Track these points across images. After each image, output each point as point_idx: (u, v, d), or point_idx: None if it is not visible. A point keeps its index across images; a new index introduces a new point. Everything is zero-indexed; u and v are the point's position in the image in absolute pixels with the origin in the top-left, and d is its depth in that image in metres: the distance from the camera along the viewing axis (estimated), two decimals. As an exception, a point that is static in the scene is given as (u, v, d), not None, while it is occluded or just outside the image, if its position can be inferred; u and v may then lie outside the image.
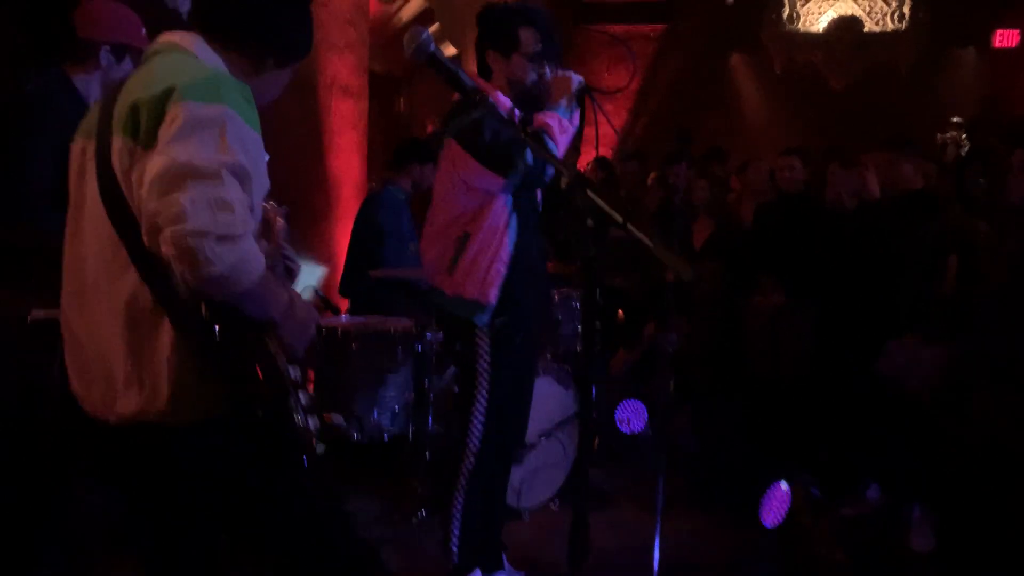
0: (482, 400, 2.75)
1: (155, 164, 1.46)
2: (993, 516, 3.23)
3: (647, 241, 1.29)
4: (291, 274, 1.91)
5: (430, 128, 7.08)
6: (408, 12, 7.26)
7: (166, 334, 1.54)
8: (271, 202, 1.88)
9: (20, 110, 2.53)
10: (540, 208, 2.91)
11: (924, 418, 3.61)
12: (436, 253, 2.76)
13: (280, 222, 1.91)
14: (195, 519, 1.71)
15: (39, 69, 2.69)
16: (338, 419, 3.74)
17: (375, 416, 3.89)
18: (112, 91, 1.65)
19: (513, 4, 2.80)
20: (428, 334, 3.86)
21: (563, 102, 2.66)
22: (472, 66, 7.88)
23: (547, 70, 2.73)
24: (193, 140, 1.46)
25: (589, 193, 1.36)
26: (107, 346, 1.59)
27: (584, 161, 5.78)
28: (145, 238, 1.47)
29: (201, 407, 1.56)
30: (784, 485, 3.69)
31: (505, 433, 2.85)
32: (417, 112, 8.16)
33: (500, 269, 2.69)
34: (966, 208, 4.17)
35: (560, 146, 2.61)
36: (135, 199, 1.52)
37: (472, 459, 2.78)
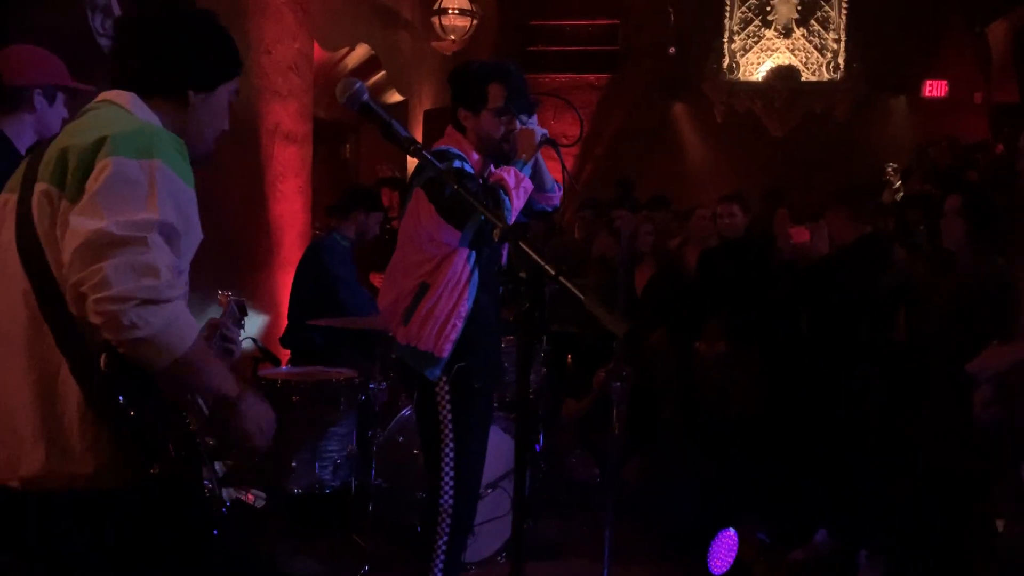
0: (449, 452, 2.69)
1: (80, 229, 1.43)
2: (940, 558, 3.24)
3: (579, 295, 1.27)
4: (229, 355, 1.87)
5: (381, 173, 7.06)
6: (353, 60, 7.27)
7: (75, 392, 1.50)
8: (228, 292, 1.92)
9: None
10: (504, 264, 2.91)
11: (870, 463, 3.63)
12: (392, 300, 2.73)
13: (230, 307, 1.88)
14: None
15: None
16: (259, 499, 3.68)
17: (316, 469, 3.79)
18: (42, 146, 1.63)
19: (483, 62, 2.84)
20: (372, 384, 3.79)
21: (523, 157, 2.69)
22: (420, 111, 7.85)
23: (516, 124, 2.76)
24: (119, 197, 1.44)
25: (522, 245, 1.35)
26: (14, 402, 1.53)
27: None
28: (72, 306, 1.46)
29: (109, 473, 1.50)
30: (732, 531, 3.68)
31: (473, 485, 2.80)
32: (363, 158, 8.14)
33: (457, 324, 2.65)
34: (908, 252, 4.27)
35: (517, 200, 2.61)
36: (55, 251, 1.48)
37: (448, 519, 2.70)
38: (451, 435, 2.68)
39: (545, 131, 2.75)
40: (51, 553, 1.56)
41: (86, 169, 1.48)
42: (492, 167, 2.75)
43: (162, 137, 1.55)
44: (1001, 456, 2.78)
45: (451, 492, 2.69)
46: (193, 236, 1.56)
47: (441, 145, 2.77)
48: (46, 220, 1.51)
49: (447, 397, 2.68)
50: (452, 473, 2.69)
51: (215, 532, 1.56)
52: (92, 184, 1.46)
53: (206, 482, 1.53)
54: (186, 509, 1.54)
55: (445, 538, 2.70)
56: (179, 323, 1.45)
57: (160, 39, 1.71)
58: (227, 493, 1.56)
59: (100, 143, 1.49)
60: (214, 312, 2.06)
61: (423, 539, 2.75)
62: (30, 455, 1.51)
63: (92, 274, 1.41)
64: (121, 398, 1.46)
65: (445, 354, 2.65)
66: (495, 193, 2.58)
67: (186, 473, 1.52)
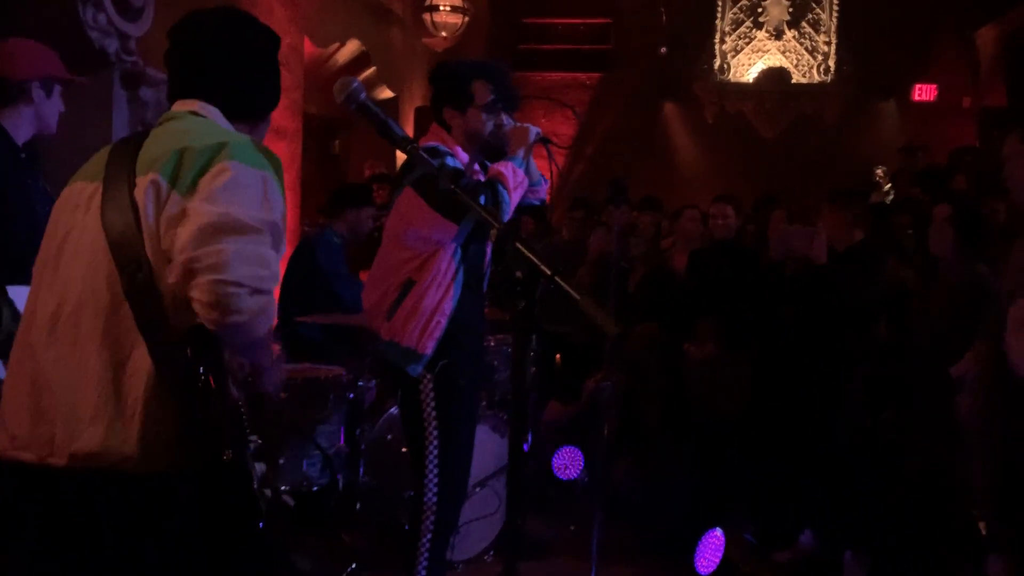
0: (433, 449, 2.68)
1: (201, 213, 1.52)
2: (923, 560, 3.27)
3: (574, 295, 1.27)
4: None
5: (368, 172, 7.04)
6: (344, 55, 7.24)
7: (145, 373, 1.54)
8: None
9: None
10: (489, 264, 2.88)
11: (855, 465, 3.65)
12: (377, 296, 2.71)
13: None
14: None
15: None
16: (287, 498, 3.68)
17: (304, 467, 3.78)
18: (128, 142, 1.70)
19: (463, 59, 2.85)
20: (360, 382, 3.78)
21: (520, 153, 2.68)
22: (411, 107, 7.85)
23: (504, 120, 2.76)
24: (240, 196, 1.55)
25: (518, 245, 1.35)
26: (80, 379, 1.55)
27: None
28: (174, 279, 1.52)
29: (166, 456, 1.54)
30: (718, 531, 3.69)
31: (458, 482, 2.79)
32: (353, 154, 8.12)
33: (441, 322, 2.64)
34: (898, 257, 4.29)
35: (514, 195, 2.62)
36: (156, 238, 1.55)
37: (432, 516, 2.70)
38: (435, 432, 2.67)
39: (538, 129, 2.75)
40: (90, 532, 1.56)
41: (202, 168, 1.56)
42: (477, 165, 2.75)
43: (269, 154, 1.65)
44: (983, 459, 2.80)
45: (435, 489, 2.68)
46: (283, 246, 1.65)
47: (429, 142, 2.75)
48: (151, 207, 1.57)
49: (431, 394, 2.67)
50: (436, 471, 2.68)
51: (260, 524, 1.58)
52: (211, 182, 1.55)
53: (253, 472, 1.58)
54: (242, 499, 1.58)
55: (429, 535, 2.69)
56: (269, 311, 1.55)
57: (253, 66, 1.81)
58: (259, 468, 1.59)
59: (220, 147, 1.58)
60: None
61: (409, 537, 2.74)
62: (88, 431, 1.53)
63: (212, 254, 1.48)
64: (210, 381, 1.52)
65: (428, 351, 2.64)
66: (494, 188, 2.57)
67: (238, 459, 1.56)
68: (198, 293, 1.48)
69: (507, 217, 2.62)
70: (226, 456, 1.54)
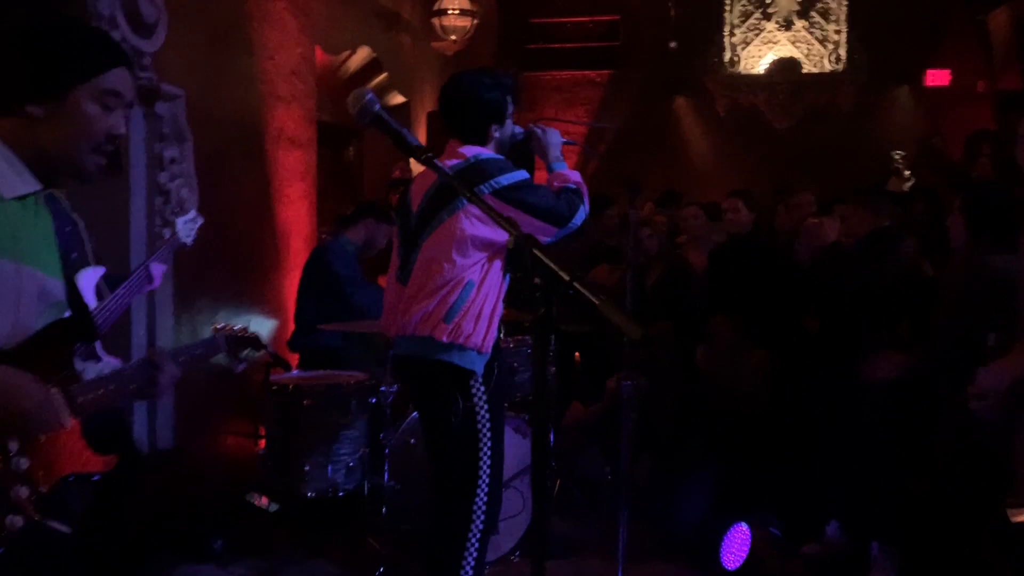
0: (486, 451, 2.71)
1: None
2: (951, 552, 3.25)
3: (594, 299, 1.29)
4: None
5: (397, 173, 7.05)
6: (356, 62, 7.27)
7: None
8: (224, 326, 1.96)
9: None
10: None
11: (881, 456, 3.64)
12: (432, 303, 2.70)
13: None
14: None
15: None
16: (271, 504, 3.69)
17: (329, 472, 3.81)
18: None
19: (486, 72, 2.88)
20: (383, 387, 3.80)
21: (558, 156, 2.88)
22: (422, 112, 7.82)
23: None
24: None
25: (536, 252, 1.36)
26: None
27: None
28: None
29: None
30: (744, 526, 3.69)
31: (500, 484, 2.83)
32: (367, 161, 8.15)
33: (496, 320, 2.73)
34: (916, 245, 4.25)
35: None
36: None
37: (482, 519, 2.72)
38: (488, 435, 2.70)
39: (557, 131, 2.91)
40: None
41: None
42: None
43: None
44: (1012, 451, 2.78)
45: (486, 491, 2.71)
46: None
47: (485, 154, 2.78)
48: None
49: (484, 397, 2.71)
50: (489, 471, 2.71)
51: None
52: None
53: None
54: None
55: (478, 536, 2.71)
56: None
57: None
58: (13, 520, 1.52)
59: None
60: (224, 317, 2.09)
61: (450, 540, 2.74)
62: None
63: None
64: None
65: (488, 348, 2.70)
66: (579, 194, 2.78)
67: None
68: None
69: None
70: None
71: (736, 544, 3.69)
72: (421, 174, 2.95)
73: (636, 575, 3.23)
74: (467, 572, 2.72)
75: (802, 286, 4.37)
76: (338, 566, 3.77)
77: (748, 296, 4.54)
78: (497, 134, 2.83)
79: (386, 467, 3.76)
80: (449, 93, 2.85)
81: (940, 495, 3.28)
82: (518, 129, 2.90)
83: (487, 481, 2.71)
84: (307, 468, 3.80)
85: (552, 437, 4.33)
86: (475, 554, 2.72)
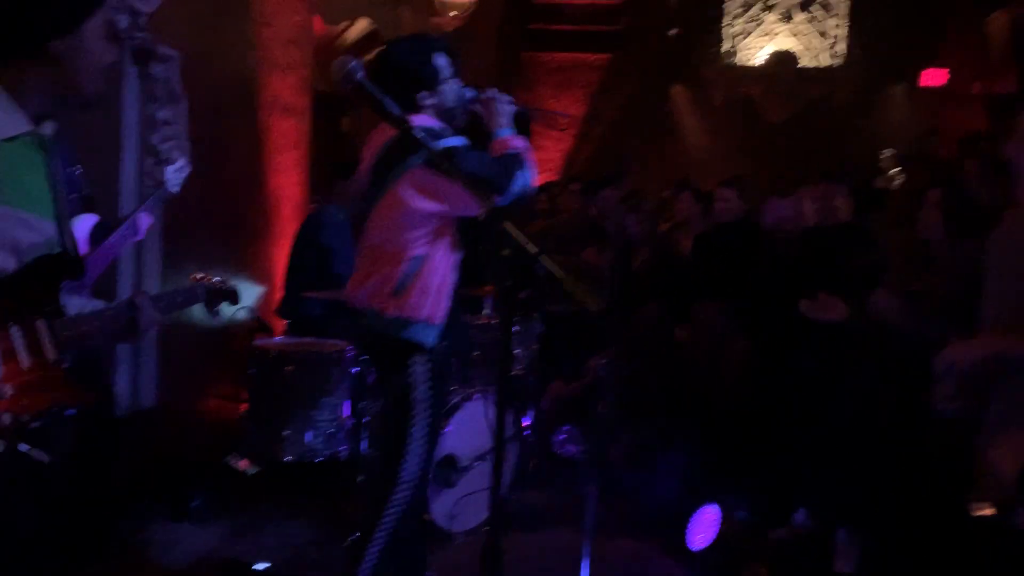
0: (422, 428, 2.66)
1: None
2: (915, 538, 3.32)
3: (558, 274, 1.32)
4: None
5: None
6: (354, 33, 7.26)
7: None
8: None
9: None
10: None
11: (847, 444, 3.71)
12: (380, 276, 2.66)
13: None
14: None
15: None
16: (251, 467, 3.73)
17: (308, 438, 3.87)
18: None
19: (400, 42, 2.77)
20: (364, 356, 3.85)
21: (505, 123, 2.68)
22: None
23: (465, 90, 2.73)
24: None
25: (506, 225, 1.40)
26: None
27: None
28: None
29: None
30: (713, 508, 3.76)
31: (432, 457, 2.81)
32: (362, 132, 8.15)
33: (447, 291, 2.66)
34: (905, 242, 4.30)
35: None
36: None
37: (407, 491, 2.66)
38: (426, 414, 2.65)
39: (510, 97, 2.73)
40: None
41: None
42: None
43: None
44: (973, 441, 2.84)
45: (417, 467, 2.65)
46: None
47: (423, 123, 2.61)
48: None
49: (427, 376, 2.65)
50: (420, 449, 2.65)
51: None
52: None
53: None
54: None
55: (397, 508, 2.65)
56: None
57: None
58: None
59: None
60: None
61: (373, 502, 2.69)
62: None
63: None
64: None
65: (439, 320, 2.63)
66: (519, 160, 2.58)
67: None
68: None
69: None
70: None
71: (704, 525, 3.76)
72: (373, 133, 2.78)
73: (602, 551, 3.29)
74: (378, 541, 2.66)
75: (784, 274, 4.42)
76: (314, 529, 3.82)
77: (732, 283, 4.60)
78: (430, 101, 2.68)
79: (364, 436, 3.82)
80: (374, 64, 2.73)
81: (904, 483, 3.35)
82: (469, 92, 2.73)
83: (418, 455, 2.64)
84: (286, 433, 3.85)
85: (532, 414, 4.39)
86: (390, 525, 2.65)
